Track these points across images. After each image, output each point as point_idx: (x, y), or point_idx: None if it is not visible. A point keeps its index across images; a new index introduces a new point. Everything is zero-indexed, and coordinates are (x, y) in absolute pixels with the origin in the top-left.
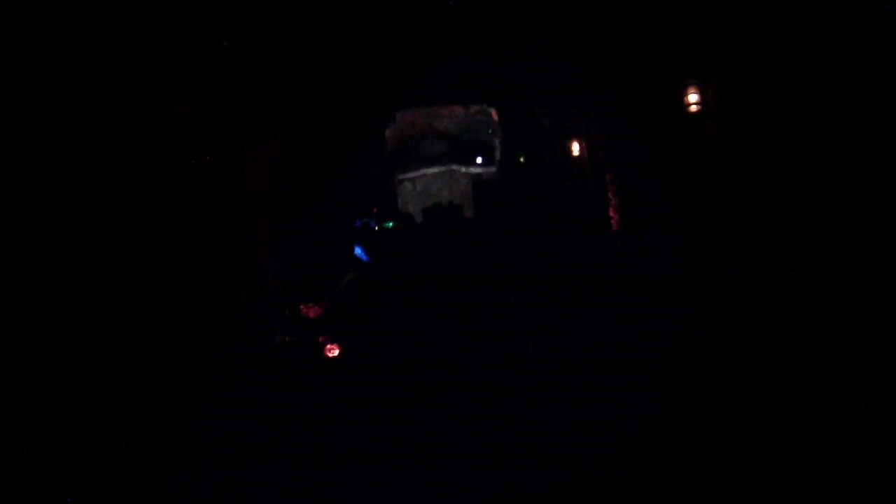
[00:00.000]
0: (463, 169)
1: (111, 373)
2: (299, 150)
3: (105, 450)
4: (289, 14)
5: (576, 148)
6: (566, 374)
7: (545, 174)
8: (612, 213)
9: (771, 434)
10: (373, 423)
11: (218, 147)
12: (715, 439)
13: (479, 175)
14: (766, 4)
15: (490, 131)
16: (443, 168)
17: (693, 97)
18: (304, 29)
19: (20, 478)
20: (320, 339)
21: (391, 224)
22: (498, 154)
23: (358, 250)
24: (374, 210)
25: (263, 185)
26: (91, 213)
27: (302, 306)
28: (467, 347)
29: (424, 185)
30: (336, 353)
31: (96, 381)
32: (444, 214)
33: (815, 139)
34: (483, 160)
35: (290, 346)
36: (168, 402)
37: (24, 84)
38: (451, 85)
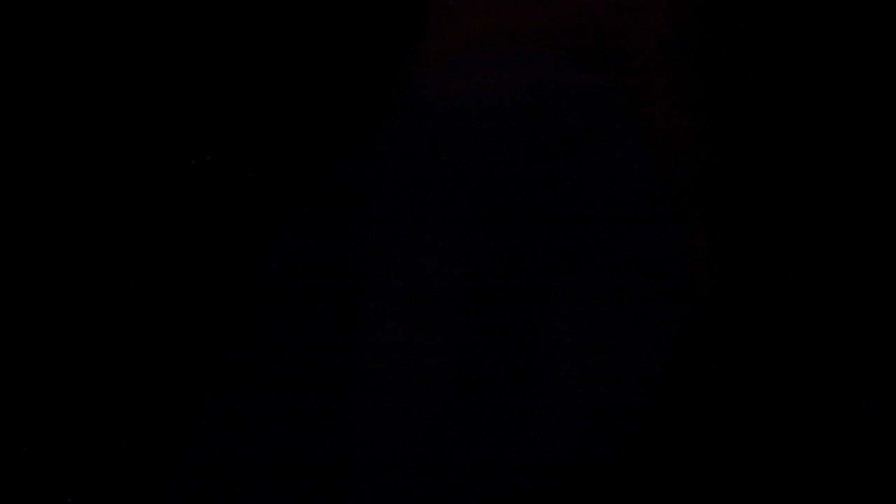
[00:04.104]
0: None
1: (111, 372)
2: None
3: (105, 450)
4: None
5: None
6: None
7: None
8: None
9: (771, 434)
10: None
11: None
12: (714, 440)
13: None
14: None
15: None
16: None
17: None
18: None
19: (20, 478)
20: None
21: None
22: None
23: None
24: None
25: None
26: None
27: None
28: None
29: None
30: None
31: (96, 380)
32: None
33: (812, 137)
34: None
35: None
36: (169, 402)
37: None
38: None
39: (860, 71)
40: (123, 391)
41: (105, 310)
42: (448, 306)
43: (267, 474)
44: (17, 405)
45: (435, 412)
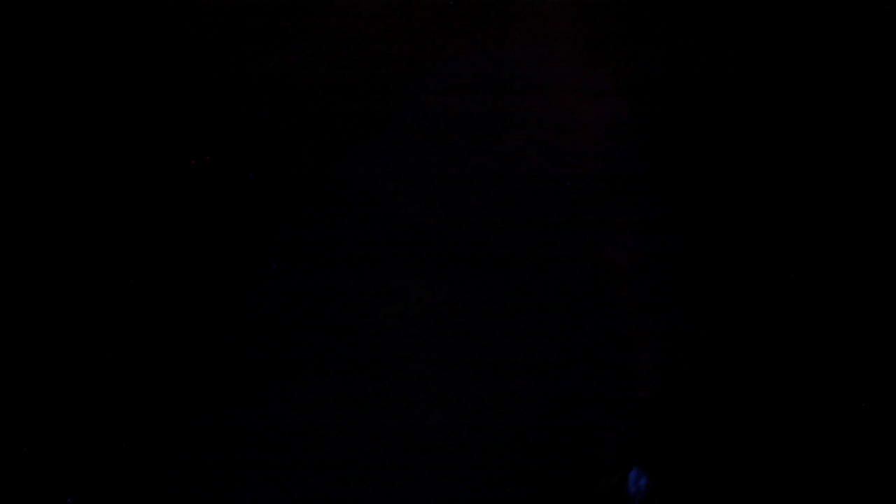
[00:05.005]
0: None
1: (111, 372)
2: None
3: (105, 450)
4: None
5: None
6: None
7: None
8: None
9: (770, 434)
10: None
11: None
12: (713, 440)
13: None
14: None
15: None
16: None
17: None
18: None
19: (20, 478)
20: None
21: None
22: None
23: None
24: None
25: None
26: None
27: None
28: None
29: None
30: None
31: (96, 380)
32: None
33: (812, 137)
34: None
35: None
36: (168, 402)
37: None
38: None
39: (862, 70)
40: (123, 391)
41: (105, 309)
42: (448, 304)
43: (266, 473)
44: (17, 405)
45: (432, 407)
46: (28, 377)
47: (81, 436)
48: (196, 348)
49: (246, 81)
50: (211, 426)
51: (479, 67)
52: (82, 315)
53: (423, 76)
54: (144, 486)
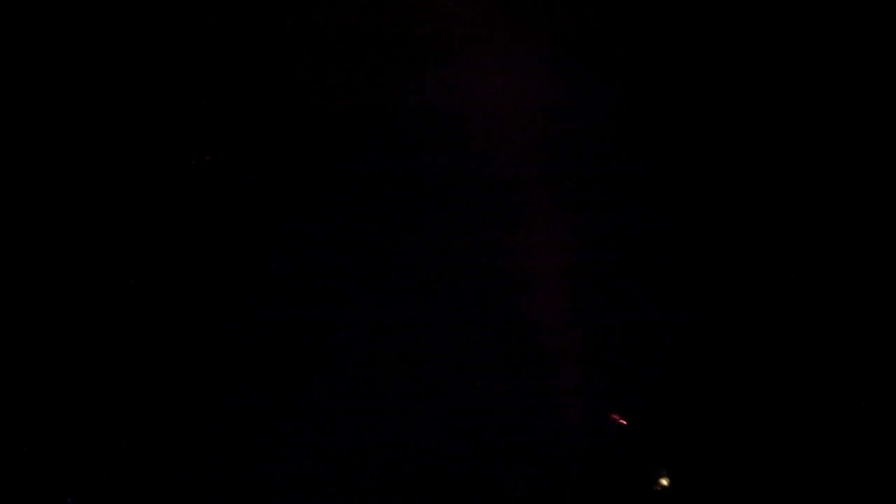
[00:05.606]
0: None
1: (111, 372)
2: None
3: (105, 450)
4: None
5: None
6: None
7: None
8: None
9: (771, 434)
10: None
11: None
12: (714, 440)
13: None
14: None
15: None
16: None
17: None
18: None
19: (20, 478)
20: None
21: None
22: None
23: None
24: None
25: None
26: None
27: None
28: None
29: None
30: None
31: (96, 380)
32: None
33: (812, 137)
34: None
35: None
36: (168, 402)
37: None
38: None
39: (861, 71)
40: (123, 391)
41: (104, 309)
42: (448, 303)
43: (266, 473)
44: (17, 405)
45: (430, 407)
46: (28, 377)
47: (81, 436)
48: (196, 348)
49: (246, 82)
50: (211, 426)
51: (479, 67)
52: (82, 315)
53: (423, 76)
54: (144, 486)
